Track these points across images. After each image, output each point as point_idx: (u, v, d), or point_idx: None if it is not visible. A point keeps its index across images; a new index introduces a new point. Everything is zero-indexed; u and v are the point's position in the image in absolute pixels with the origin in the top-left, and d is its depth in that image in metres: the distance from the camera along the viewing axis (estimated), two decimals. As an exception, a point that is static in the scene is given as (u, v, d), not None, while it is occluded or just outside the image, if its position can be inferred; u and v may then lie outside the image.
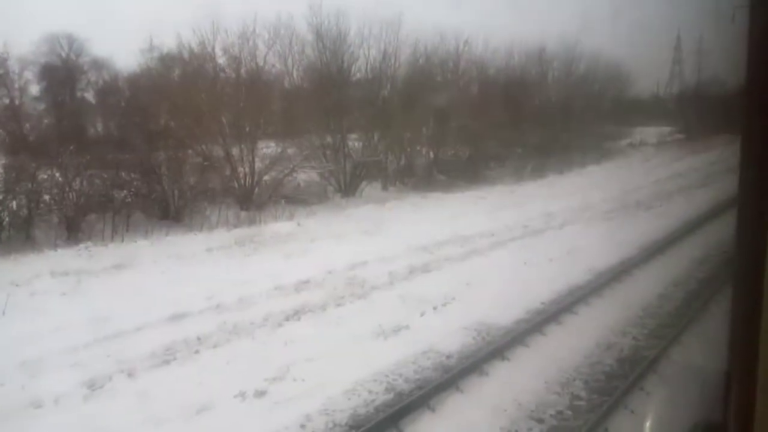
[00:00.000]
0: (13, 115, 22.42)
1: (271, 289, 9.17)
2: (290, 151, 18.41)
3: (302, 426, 4.94)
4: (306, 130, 19.24)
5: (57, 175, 13.45)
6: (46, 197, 13.25)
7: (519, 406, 5.21)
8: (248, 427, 5.01)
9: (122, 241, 12.97)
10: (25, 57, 23.23)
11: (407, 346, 6.57)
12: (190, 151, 16.78)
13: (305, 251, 12.07)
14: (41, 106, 25.15)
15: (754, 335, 1.05)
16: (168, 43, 20.70)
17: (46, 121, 23.93)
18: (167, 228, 14.05)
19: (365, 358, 6.22)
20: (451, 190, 20.43)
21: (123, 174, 14.79)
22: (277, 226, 14.49)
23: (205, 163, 16.79)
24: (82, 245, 12.26)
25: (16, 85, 23.75)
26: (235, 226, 14.48)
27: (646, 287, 8.99)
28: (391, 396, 5.43)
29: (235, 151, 17.25)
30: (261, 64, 19.21)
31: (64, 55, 25.58)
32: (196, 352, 6.79)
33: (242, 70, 18.71)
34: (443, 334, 6.92)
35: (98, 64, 26.09)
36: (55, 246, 12.16)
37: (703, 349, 6.24)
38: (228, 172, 17.26)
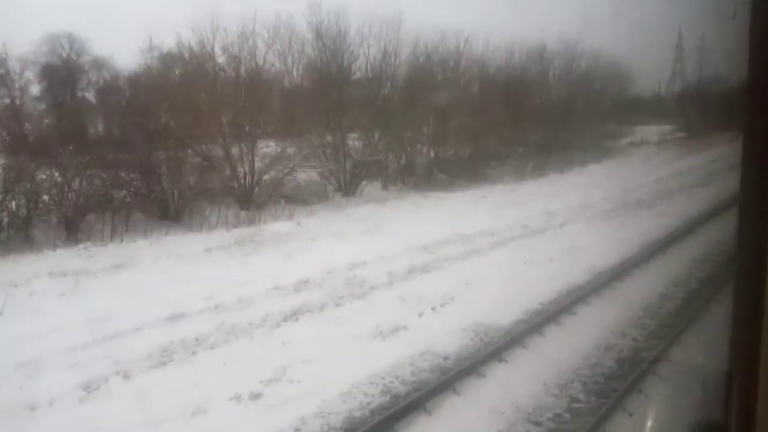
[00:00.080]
0: (14, 115, 22.44)
1: (270, 289, 9.15)
2: (290, 150, 18.38)
3: (297, 429, 4.90)
4: (306, 129, 19.21)
5: (56, 175, 13.45)
6: (45, 197, 13.24)
7: (516, 409, 5.17)
8: (243, 431, 4.98)
9: (121, 241, 12.96)
10: (25, 57, 23.26)
11: (405, 347, 6.53)
12: (189, 151, 16.77)
13: (305, 251, 12.05)
14: (42, 106, 25.19)
15: (756, 335, 1.05)
16: (168, 42, 20.69)
17: (46, 121, 23.95)
18: (167, 228, 14.04)
19: (362, 359, 6.19)
20: (451, 189, 20.39)
21: (122, 174, 14.78)
22: (277, 226, 14.47)
23: (205, 163, 16.77)
24: (81, 245, 12.25)
25: (17, 85, 23.79)
26: (235, 226, 14.46)
27: (646, 287, 8.94)
28: (387, 398, 5.39)
29: (234, 150, 17.24)
30: (261, 63, 19.22)
31: (64, 54, 25.58)
32: (193, 353, 6.77)
33: (242, 70, 18.70)
34: (441, 335, 6.88)
35: (99, 64, 26.09)
36: (54, 246, 12.14)
37: (704, 350, 6.20)
38: (228, 172, 17.24)
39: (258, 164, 17.44)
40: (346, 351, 6.52)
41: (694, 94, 39.06)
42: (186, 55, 19.20)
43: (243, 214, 15.78)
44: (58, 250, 11.87)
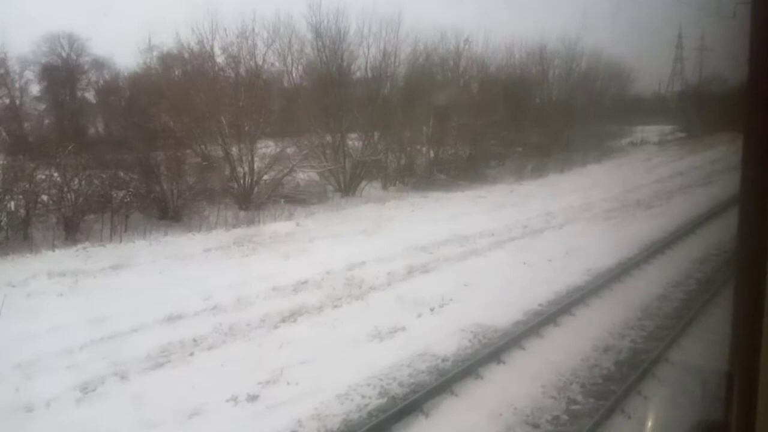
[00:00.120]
0: (14, 115, 22.45)
1: (269, 290, 9.14)
2: (289, 150, 18.38)
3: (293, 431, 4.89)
4: (305, 129, 19.18)
5: (55, 175, 13.43)
6: (44, 197, 13.22)
7: (514, 411, 5.15)
8: (239, 433, 4.98)
9: (120, 241, 12.94)
10: (25, 57, 23.29)
11: (403, 348, 6.51)
12: (189, 151, 16.75)
13: (304, 251, 12.03)
14: (42, 106, 25.20)
15: (756, 335, 1.05)
16: (168, 42, 20.68)
17: (46, 120, 23.95)
18: (166, 228, 14.02)
19: (360, 361, 6.17)
20: (451, 189, 20.36)
21: (122, 174, 14.76)
22: (276, 226, 14.46)
23: (204, 163, 16.76)
24: (79, 245, 12.24)
25: (17, 85, 23.81)
26: (234, 226, 14.44)
27: (645, 288, 8.92)
28: (384, 400, 5.37)
29: (234, 150, 17.21)
30: (260, 63, 19.19)
31: (64, 54, 25.56)
32: (191, 354, 6.75)
33: (241, 69, 18.68)
34: (439, 336, 6.87)
35: (99, 64, 26.09)
36: (53, 246, 12.13)
37: (704, 351, 6.18)
38: (227, 172, 17.22)
39: (257, 164, 17.43)
40: (344, 352, 6.51)
41: (694, 94, 39.03)
42: (185, 55, 19.20)
43: (242, 214, 15.76)
44: (57, 251, 11.86)
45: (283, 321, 7.81)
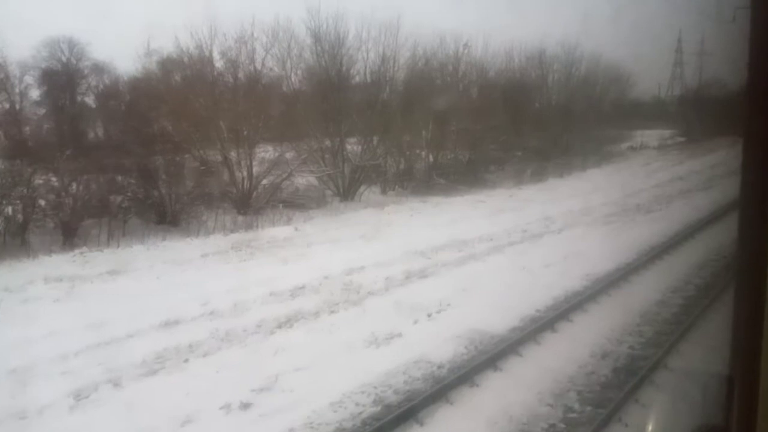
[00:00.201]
0: (13, 120, 22.45)
1: (266, 295, 9.10)
2: (288, 155, 18.36)
3: (286, 440, 4.85)
4: (304, 133, 19.17)
5: (53, 179, 13.42)
6: (42, 202, 13.21)
7: (510, 419, 5.10)
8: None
9: (118, 246, 12.91)
10: (25, 61, 23.27)
11: (399, 355, 6.47)
12: (187, 156, 16.73)
13: (302, 256, 11.99)
14: (41, 111, 25.20)
15: (757, 338, 1.04)
16: (167, 47, 20.69)
17: (46, 125, 23.95)
18: (164, 233, 14.00)
19: (355, 367, 6.13)
20: (450, 193, 20.33)
21: (120, 178, 14.76)
22: (275, 231, 14.43)
23: (203, 168, 16.74)
24: (77, 251, 12.22)
25: (17, 90, 23.81)
26: (232, 231, 14.42)
27: (644, 294, 8.87)
28: (378, 408, 5.32)
29: (233, 155, 17.20)
30: (259, 67, 19.21)
31: (64, 59, 25.57)
32: (186, 360, 6.71)
33: (240, 74, 18.69)
34: (436, 342, 6.82)
35: (99, 68, 26.08)
36: (50, 251, 12.10)
37: (703, 356, 6.13)
38: (226, 177, 17.20)
39: (256, 169, 17.41)
40: (340, 359, 6.46)
41: (694, 98, 39.02)
42: (185, 59, 19.21)
43: (240, 219, 15.74)
44: (54, 256, 11.83)
45: (280, 327, 7.77)
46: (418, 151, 22.23)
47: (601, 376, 6.10)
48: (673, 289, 9.11)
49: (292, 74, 20.65)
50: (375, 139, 20.19)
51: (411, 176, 21.94)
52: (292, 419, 5.04)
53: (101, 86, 26.78)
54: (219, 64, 18.85)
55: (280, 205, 17.04)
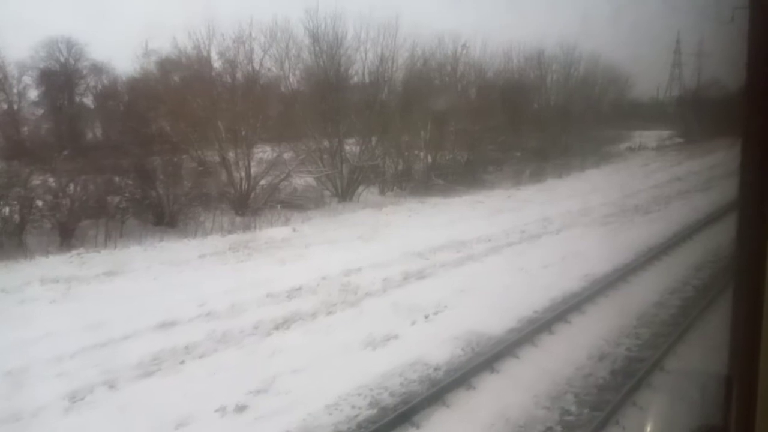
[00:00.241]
0: (11, 120, 22.39)
1: (263, 297, 9.07)
2: (286, 155, 18.32)
3: (281, 443, 4.83)
4: (303, 134, 19.14)
5: (51, 180, 13.39)
6: (39, 203, 13.17)
7: (507, 422, 5.08)
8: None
9: (115, 247, 12.87)
10: (24, 61, 23.22)
11: (395, 357, 6.44)
12: (185, 156, 16.70)
13: (300, 257, 11.96)
14: (40, 111, 25.15)
15: (756, 339, 1.04)
16: (166, 47, 20.66)
17: (44, 125, 23.90)
18: (161, 234, 13.97)
19: (351, 369, 6.10)
20: (449, 194, 20.31)
21: (117, 179, 14.72)
22: (272, 232, 14.39)
23: (200, 168, 16.71)
24: (74, 251, 12.18)
25: (15, 90, 23.76)
26: (230, 232, 14.38)
27: (641, 295, 8.86)
28: (374, 411, 5.30)
29: (230, 155, 17.17)
30: (257, 68, 19.15)
31: (63, 59, 25.52)
32: (182, 362, 6.69)
33: (238, 74, 18.66)
34: (433, 344, 6.80)
35: (97, 69, 26.03)
36: (47, 252, 12.06)
37: (701, 357, 6.11)
38: (224, 177, 17.17)
39: (254, 169, 17.37)
40: (336, 361, 6.44)
41: (693, 99, 39.05)
42: (183, 60, 19.18)
43: (238, 219, 15.71)
44: (51, 257, 11.80)
45: (277, 328, 7.74)
46: (416, 152, 22.20)
47: (598, 378, 6.08)
48: (672, 291, 9.10)
49: (291, 74, 20.63)
50: (373, 139, 20.17)
51: (409, 177, 21.92)
52: (288, 422, 5.02)
53: (99, 87, 26.74)
54: (217, 64, 18.84)
55: (278, 205, 17.01)
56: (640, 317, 7.89)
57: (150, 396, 5.77)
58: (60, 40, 24.75)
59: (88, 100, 27.16)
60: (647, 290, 9.07)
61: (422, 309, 8.20)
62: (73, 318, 8.19)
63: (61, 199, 13.20)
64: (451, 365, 6.31)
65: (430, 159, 22.35)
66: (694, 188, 20.26)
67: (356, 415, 5.22)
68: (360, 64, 20.93)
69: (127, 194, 14.81)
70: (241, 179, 17.03)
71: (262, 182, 17.44)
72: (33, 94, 24.92)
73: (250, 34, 18.48)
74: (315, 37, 19.99)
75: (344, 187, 19.45)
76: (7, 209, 12.60)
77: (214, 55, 18.52)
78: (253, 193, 17.18)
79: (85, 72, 26.40)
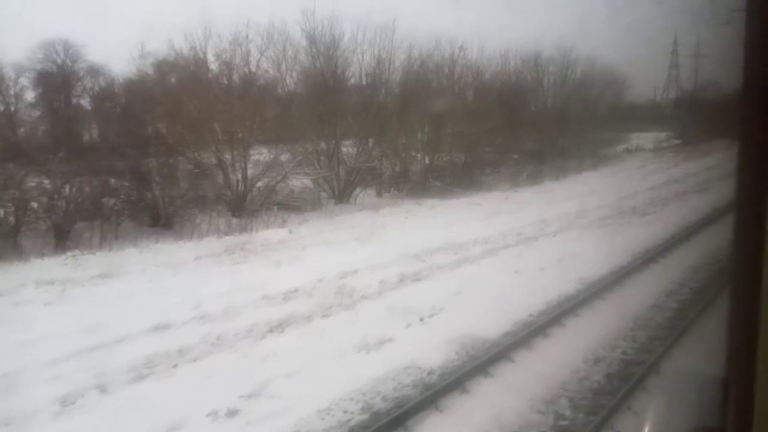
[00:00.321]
0: (8, 122, 22.32)
1: (259, 299, 9.02)
2: (283, 157, 18.30)
3: (272, 448, 4.78)
4: (299, 136, 19.11)
5: (46, 182, 13.33)
6: (34, 205, 13.11)
7: (501, 427, 5.04)
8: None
9: (110, 249, 12.81)
10: (20, 63, 23.17)
11: (389, 360, 6.40)
12: (181, 158, 16.66)
13: (296, 259, 11.92)
14: (36, 113, 25.08)
15: (753, 341, 1.04)
16: (162, 49, 20.63)
17: (41, 127, 23.84)
18: (157, 236, 13.91)
19: (345, 373, 6.06)
20: (446, 196, 20.30)
21: (113, 181, 14.67)
22: (269, 234, 14.35)
23: (197, 170, 16.67)
24: (69, 253, 12.12)
25: (12, 92, 23.69)
26: (226, 234, 14.33)
27: (638, 297, 8.83)
28: (366, 416, 5.25)
29: (227, 157, 17.13)
30: (254, 69, 19.15)
31: (60, 61, 25.48)
32: (175, 366, 6.63)
33: (235, 76, 18.64)
34: (427, 348, 6.76)
35: (94, 71, 26.00)
36: (42, 254, 12.01)
37: (698, 359, 6.09)
38: (220, 179, 17.13)
39: (251, 171, 17.34)
40: (330, 364, 6.39)
41: (690, 101, 39.13)
42: (179, 61, 19.15)
43: (235, 221, 15.67)
44: (46, 259, 11.74)
45: (271, 331, 7.70)
46: (413, 154, 22.20)
47: (593, 381, 6.05)
48: (668, 293, 9.08)
49: (287, 76, 20.62)
50: (370, 141, 20.16)
51: (406, 179, 21.90)
52: (280, 427, 4.97)
53: (96, 88, 26.70)
54: (214, 66, 18.84)
55: (275, 207, 16.97)
56: (636, 320, 7.86)
57: (141, 400, 5.72)
58: (57, 41, 24.73)
59: (85, 102, 27.15)
60: (644, 293, 9.04)
61: (417, 312, 8.16)
62: (68, 320, 8.14)
63: (56, 200, 13.15)
64: (445, 369, 6.27)
65: (427, 161, 22.35)
66: (691, 190, 20.27)
67: (348, 420, 5.17)
68: (357, 66, 20.96)
69: (122, 196, 14.76)
70: (237, 181, 17.00)
71: (259, 184, 17.40)
72: (30, 95, 24.89)
73: (247, 36, 18.51)
74: (312, 39, 20.00)
75: (341, 188, 19.43)
76: (2, 211, 12.54)
77: (210, 57, 18.54)
78: (249, 195, 17.14)
79: (82, 74, 26.37)
